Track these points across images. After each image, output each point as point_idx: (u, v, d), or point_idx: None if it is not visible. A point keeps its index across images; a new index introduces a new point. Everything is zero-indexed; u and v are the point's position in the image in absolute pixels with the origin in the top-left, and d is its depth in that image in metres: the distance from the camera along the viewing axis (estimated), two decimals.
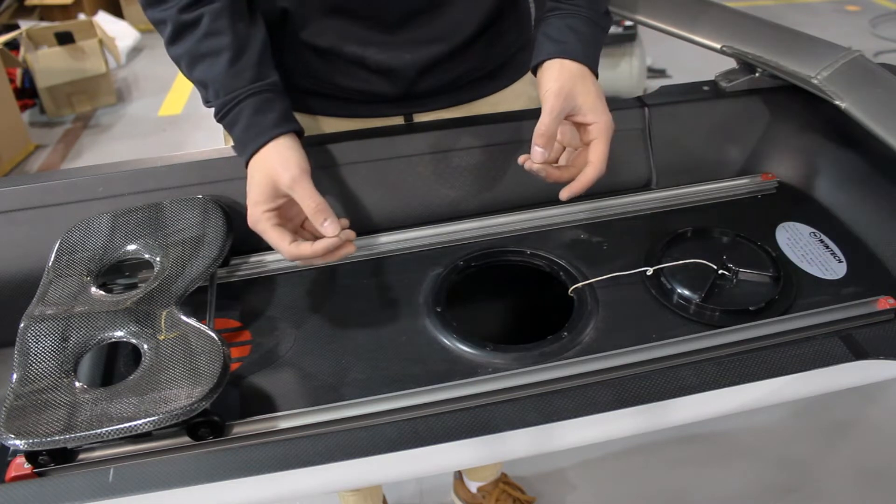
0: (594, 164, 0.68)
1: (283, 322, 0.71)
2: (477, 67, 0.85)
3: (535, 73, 0.73)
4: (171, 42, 0.71)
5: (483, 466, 1.40)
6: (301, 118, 0.85)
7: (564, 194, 0.69)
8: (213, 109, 0.72)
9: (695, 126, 0.88)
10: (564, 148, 0.72)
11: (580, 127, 0.70)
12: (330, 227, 0.64)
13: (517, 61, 0.90)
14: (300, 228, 0.71)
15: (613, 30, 2.70)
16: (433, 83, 0.83)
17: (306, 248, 0.64)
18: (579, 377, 0.63)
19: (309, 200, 0.65)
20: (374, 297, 0.74)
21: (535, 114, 0.87)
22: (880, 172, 0.79)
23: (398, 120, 0.86)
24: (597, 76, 0.71)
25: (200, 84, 0.71)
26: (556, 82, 0.68)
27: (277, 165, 0.67)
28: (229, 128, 0.71)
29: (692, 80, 0.92)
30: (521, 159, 0.69)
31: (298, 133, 0.71)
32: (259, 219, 0.67)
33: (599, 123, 0.68)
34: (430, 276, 0.75)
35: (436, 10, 0.77)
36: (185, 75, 0.73)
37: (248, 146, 0.69)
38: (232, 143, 0.73)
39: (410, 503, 1.53)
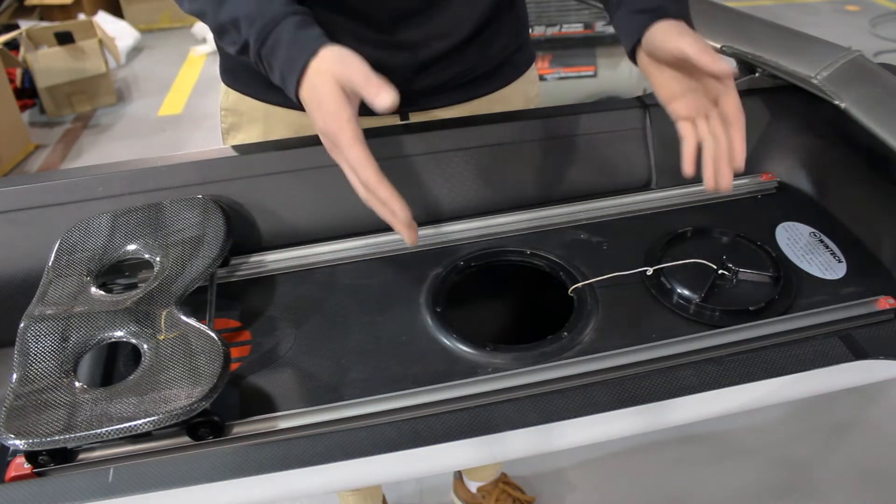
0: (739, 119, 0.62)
1: (283, 322, 0.71)
2: (473, 67, 0.85)
3: (632, 56, 0.68)
4: None
5: (483, 466, 1.40)
6: (298, 116, 0.85)
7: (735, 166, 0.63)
8: (248, 54, 0.67)
9: None
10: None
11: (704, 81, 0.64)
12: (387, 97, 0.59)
13: (514, 61, 0.90)
14: None
15: (613, 30, 2.71)
16: (430, 82, 0.83)
17: (386, 189, 0.60)
18: (579, 377, 0.63)
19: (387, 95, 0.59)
20: (374, 297, 0.74)
21: (533, 113, 0.88)
22: (880, 172, 0.79)
23: (394, 119, 0.86)
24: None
25: (231, 24, 0.66)
26: (673, 31, 0.62)
27: (341, 62, 0.61)
28: (270, 56, 0.64)
29: None
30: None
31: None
32: (343, 128, 0.60)
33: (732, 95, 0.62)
34: (430, 276, 0.75)
35: (432, 9, 0.77)
36: (210, 23, 0.68)
37: (296, 63, 0.62)
38: (275, 75, 0.65)
39: (410, 503, 1.53)
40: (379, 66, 0.79)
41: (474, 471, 1.45)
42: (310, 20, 0.65)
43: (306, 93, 0.62)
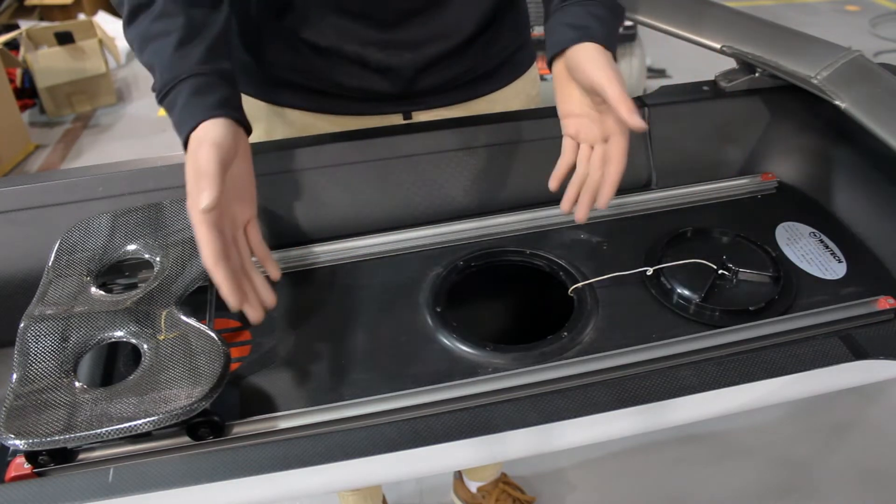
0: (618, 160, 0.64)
1: (283, 322, 0.71)
2: (475, 67, 0.85)
3: (550, 64, 0.68)
4: (127, 23, 0.67)
5: (483, 466, 1.40)
6: (299, 116, 0.85)
7: (600, 202, 0.64)
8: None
9: (695, 126, 0.88)
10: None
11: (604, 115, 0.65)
12: (206, 196, 0.57)
13: (515, 61, 0.90)
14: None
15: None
16: (432, 82, 0.83)
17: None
18: (579, 377, 0.63)
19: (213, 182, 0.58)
20: (374, 297, 0.74)
21: (534, 113, 0.88)
22: (880, 172, 0.79)
23: (397, 118, 0.86)
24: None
25: (149, 68, 0.66)
26: (601, 60, 0.63)
27: (213, 143, 0.60)
28: (169, 112, 0.65)
29: (692, 80, 0.92)
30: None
31: (243, 126, 0.65)
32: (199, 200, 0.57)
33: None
34: (430, 276, 0.75)
35: (435, 10, 0.77)
36: (138, 59, 0.68)
37: (183, 126, 0.62)
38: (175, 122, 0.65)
39: (410, 503, 1.53)
40: (383, 67, 0.79)
41: (474, 471, 1.45)
42: (215, 83, 0.64)
43: (188, 155, 0.61)
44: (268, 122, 0.87)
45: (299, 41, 0.78)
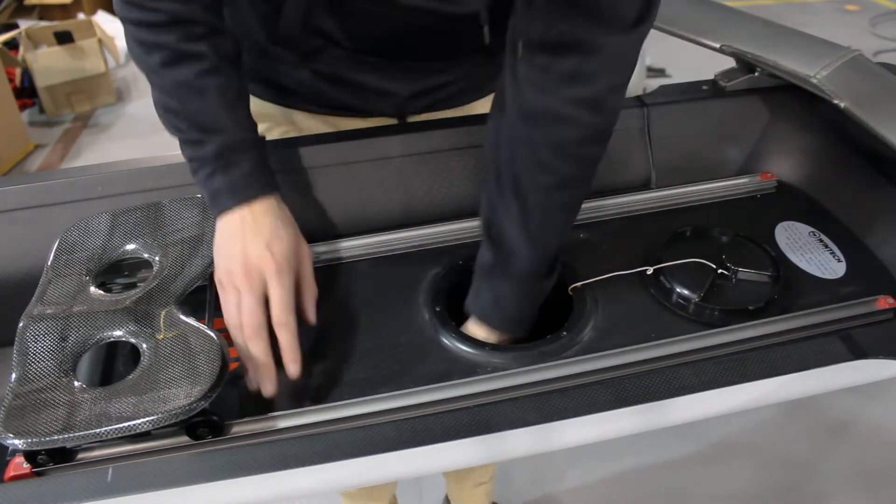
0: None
1: None
2: (472, 86, 0.86)
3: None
4: (166, 66, 0.64)
5: (471, 494, 1.38)
6: (300, 116, 0.85)
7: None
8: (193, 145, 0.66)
9: (694, 125, 0.88)
10: None
11: None
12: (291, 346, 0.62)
13: None
14: None
15: None
16: (427, 101, 0.84)
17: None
18: (579, 377, 0.63)
19: (311, 288, 0.66)
20: (374, 297, 0.74)
21: None
22: (880, 172, 0.79)
23: (391, 120, 0.86)
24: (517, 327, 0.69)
25: (188, 116, 0.65)
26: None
27: (297, 229, 0.67)
28: (228, 167, 0.65)
29: (691, 79, 0.92)
30: None
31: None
32: (283, 269, 0.63)
33: None
34: (430, 275, 0.75)
35: (441, 41, 0.78)
36: (164, 103, 0.67)
37: (255, 188, 0.65)
38: (220, 182, 0.65)
39: (410, 503, 1.53)
40: (381, 92, 0.80)
41: (462, 500, 1.43)
42: (265, 153, 0.69)
43: (252, 214, 0.65)
44: (272, 120, 0.86)
45: (297, 65, 0.78)
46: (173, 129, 0.67)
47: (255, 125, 0.69)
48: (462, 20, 0.72)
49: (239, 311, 0.62)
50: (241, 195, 0.65)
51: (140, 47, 0.65)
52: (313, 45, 0.76)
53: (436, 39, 0.76)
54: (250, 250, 0.63)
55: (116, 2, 0.64)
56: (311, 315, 0.66)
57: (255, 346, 0.61)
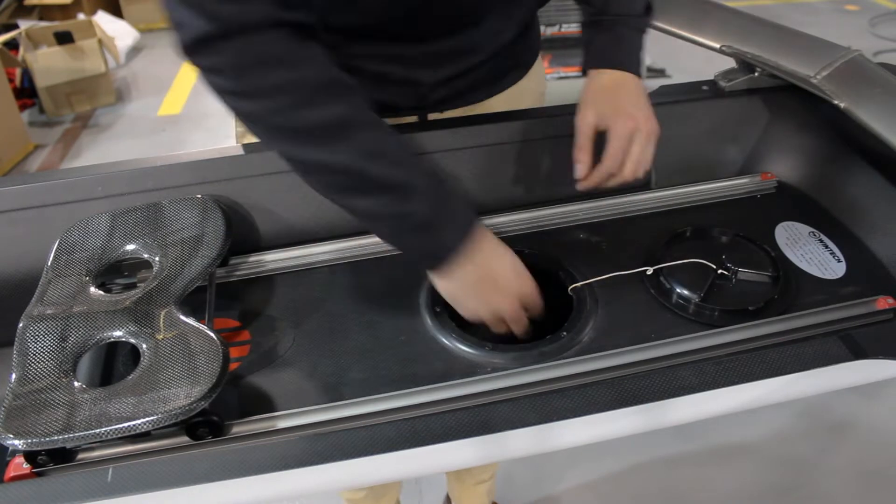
0: (604, 160, 0.69)
1: (283, 322, 0.71)
2: (490, 78, 0.85)
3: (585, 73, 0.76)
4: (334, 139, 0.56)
5: (471, 492, 1.38)
6: None
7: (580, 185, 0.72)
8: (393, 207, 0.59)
9: (694, 126, 0.88)
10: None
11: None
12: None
13: (523, 62, 0.89)
14: None
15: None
16: (447, 92, 0.83)
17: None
18: (578, 377, 0.63)
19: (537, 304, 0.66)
20: (374, 297, 0.74)
21: (536, 112, 0.88)
22: (880, 172, 0.79)
23: (411, 118, 0.85)
24: (638, 75, 0.74)
25: (390, 188, 0.57)
26: (589, 93, 0.72)
27: (521, 265, 0.66)
28: (444, 222, 0.60)
29: (692, 79, 0.92)
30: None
31: None
32: (527, 283, 0.65)
33: (617, 127, 0.69)
34: None
35: (467, 28, 0.77)
36: (333, 186, 0.59)
37: (471, 227, 0.61)
38: (442, 232, 0.60)
39: (410, 503, 1.53)
40: (401, 81, 0.79)
41: (462, 498, 1.43)
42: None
43: (490, 254, 0.63)
44: None
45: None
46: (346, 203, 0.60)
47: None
48: None
49: (515, 326, 0.66)
50: (462, 231, 0.61)
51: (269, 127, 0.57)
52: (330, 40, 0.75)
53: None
54: (505, 294, 0.63)
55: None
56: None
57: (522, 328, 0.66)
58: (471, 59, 0.80)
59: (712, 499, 1.51)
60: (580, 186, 0.72)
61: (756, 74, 0.87)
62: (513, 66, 0.88)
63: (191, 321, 0.62)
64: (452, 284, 0.63)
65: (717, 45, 0.86)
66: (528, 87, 0.91)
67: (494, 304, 0.63)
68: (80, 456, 0.57)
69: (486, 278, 0.62)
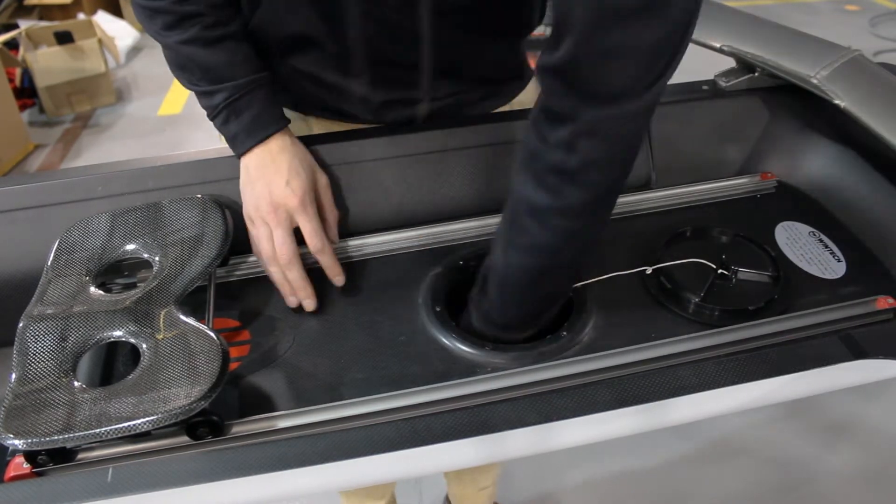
0: None
1: (282, 322, 0.71)
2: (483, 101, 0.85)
3: None
4: (170, 28, 0.70)
5: (472, 497, 1.38)
6: (295, 122, 0.85)
7: None
8: (207, 94, 0.72)
9: (694, 125, 0.88)
10: None
11: None
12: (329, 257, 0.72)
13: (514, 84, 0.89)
14: None
15: None
16: (440, 120, 0.83)
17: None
18: (578, 376, 0.63)
19: (331, 211, 0.74)
20: (374, 297, 0.74)
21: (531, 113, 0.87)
22: (880, 172, 0.79)
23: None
24: None
25: (196, 70, 0.71)
26: None
27: (312, 160, 0.73)
28: (238, 112, 0.71)
29: (691, 79, 0.92)
30: None
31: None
32: (306, 202, 0.70)
33: None
34: (430, 275, 0.75)
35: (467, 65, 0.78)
36: (174, 61, 0.72)
37: (267, 128, 0.71)
38: (235, 126, 0.72)
39: (410, 503, 1.53)
40: (397, 120, 0.80)
41: (463, 501, 1.43)
42: (273, 91, 0.74)
43: (269, 153, 0.72)
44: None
45: (287, 65, 0.78)
46: (186, 83, 0.73)
47: (260, 66, 0.73)
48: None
49: (272, 243, 0.70)
50: (256, 136, 0.71)
51: (143, 13, 0.70)
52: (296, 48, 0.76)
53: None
54: (273, 189, 0.70)
55: None
56: (335, 235, 0.76)
57: (291, 273, 0.69)
58: (469, 92, 0.82)
59: (712, 499, 1.51)
60: None
61: (756, 74, 0.87)
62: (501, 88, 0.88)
63: (191, 321, 0.62)
64: (242, 169, 0.73)
65: (717, 45, 0.86)
66: (524, 101, 0.91)
67: (261, 203, 0.70)
68: (80, 456, 0.57)
69: (259, 179, 0.71)
